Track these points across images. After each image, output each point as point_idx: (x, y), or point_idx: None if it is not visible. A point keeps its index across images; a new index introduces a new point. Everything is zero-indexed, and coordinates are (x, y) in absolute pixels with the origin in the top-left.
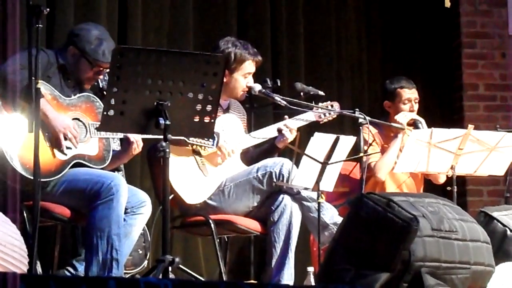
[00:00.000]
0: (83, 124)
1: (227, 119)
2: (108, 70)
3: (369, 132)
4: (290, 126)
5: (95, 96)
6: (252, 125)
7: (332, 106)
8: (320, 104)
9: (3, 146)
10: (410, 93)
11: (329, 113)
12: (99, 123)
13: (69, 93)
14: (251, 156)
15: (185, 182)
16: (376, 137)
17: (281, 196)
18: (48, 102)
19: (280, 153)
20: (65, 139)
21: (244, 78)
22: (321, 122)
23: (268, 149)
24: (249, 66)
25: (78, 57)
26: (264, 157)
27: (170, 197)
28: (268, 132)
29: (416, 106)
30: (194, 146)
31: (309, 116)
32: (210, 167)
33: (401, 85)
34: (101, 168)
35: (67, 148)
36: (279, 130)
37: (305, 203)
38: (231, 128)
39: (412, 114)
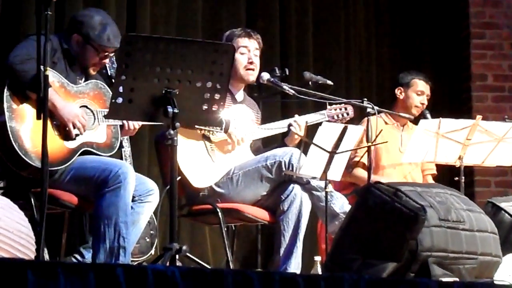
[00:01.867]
0: (91, 111)
1: (239, 109)
2: (112, 55)
3: (377, 122)
4: (300, 123)
5: (103, 83)
6: (260, 114)
7: (346, 109)
8: (334, 106)
9: (11, 136)
10: (425, 87)
11: (343, 116)
12: (107, 110)
13: (75, 78)
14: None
15: (193, 165)
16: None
17: (291, 185)
18: (56, 90)
19: None
20: (74, 127)
21: (240, 54)
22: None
23: (277, 148)
24: (241, 40)
25: (83, 44)
26: None
27: (177, 179)
28: (278, 125)
29: (425, 103)
30: (204, 131)
31: (321, 115)
32: (219, 154)
33: (419, 76)
34: (110, 155)
35: (76, 135)
36: (289, 126)
37: (315, 192)
38: (242, 119)
39: None
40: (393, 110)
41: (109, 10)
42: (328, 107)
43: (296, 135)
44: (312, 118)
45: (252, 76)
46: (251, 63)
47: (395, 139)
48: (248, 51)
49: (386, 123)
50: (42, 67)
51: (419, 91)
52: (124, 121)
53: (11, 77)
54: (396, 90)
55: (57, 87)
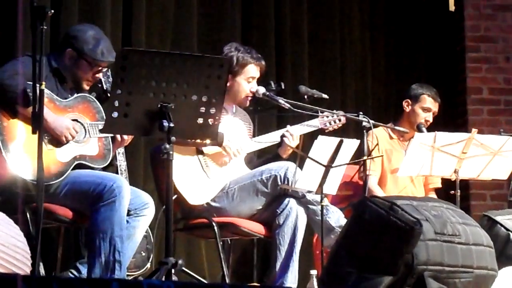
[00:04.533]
0: (82, 125)
1: (232, 122)
2: (105, 70)
3: (372, 136)
4: (293, 133)
5: (91, 96)
6: (256, 128)
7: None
8: (325, 113)
9: (3, 152)
10: (433, 104)
11: (335, 122)
12: (98, 123)
13: (66, 96)
14: (254, 166)
15: (189, 183)
16: None
17: (287, 199)
18: (45, 105)
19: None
20: (67, 140)
21: (247, 82)
22: (326, 131)
23: (271, 159)
24: (252, 70)
25: (76, 58)
26: None
27: (174, 197)
28: (271, 138)
29: (430, 120)
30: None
31: (314, 123)
32: (214, 169)
33: (429, 93)
34: (103, 167)
35: (67, 149)
36: (282, 137)
37: (310, 206)
38: (235, 131)
39: None
40: (399, 123)
41: (105, 25)
42: (320, 114)
43: (291, 148)
44: (305, 128)
45: (248, 103)
46: (253, 92)
47: (400, 153)
48: (253, 80)
49: (391, 137)
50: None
51: (426, 107)
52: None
53: (0, 93)
54: (403, 102)
55: (46, 102)
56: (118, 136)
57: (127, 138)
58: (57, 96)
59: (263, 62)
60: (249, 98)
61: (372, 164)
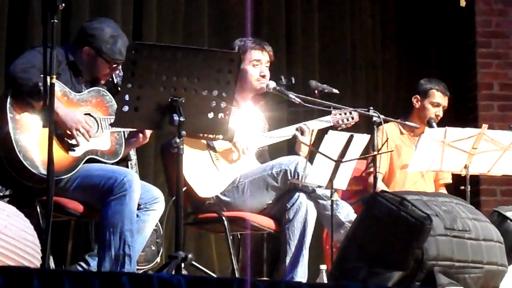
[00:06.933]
0: (95, 119)
1: (244, 117)
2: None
3: (382, 132)
4: (305, 130)
5: (105, 90)
6: (267, 123)
7: (350, 113)
8: (338, 111)
9: (16, 146)
10: (442, 99)
11: (347, 120)
12: (111, 117)
13: (81, 89)
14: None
15: (199, 175)
16: None
17: (297, 194)
18: (58, 99)
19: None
20: (77, 134)
21: (253, 66)
22: (338, 129)
23: None
24: (254, 53)
25: (94, 56)
26: None
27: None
28: (283, 133)
29: (441, 115)
30: (207, 140)
31: (326, 120)
32: (224, 163)
33: (437, 87)
34: (114, 163)
35: (78, 144)
36: (296, 134)
37: (320, 201)
38: (247, 126)
39: None
40: (409, 119)
41: (116, 19)
42: (333, 112)
43: (303, 144)
44: (317, 124)
45: (263, 85)
46: (263, 76)
47: (410, 149)
48: (260, 64)
49: (401, 132)
50: (48, 75)
51: (435, 102)
52: (140, 134)
53: (13, 86)
54: (413, 98)
55: (60, 96)
56: (140, 135)
57: (148, 136)
58: (70, 90)
59: (267, 47)
60: (264, 83)
61: (378, 162)
